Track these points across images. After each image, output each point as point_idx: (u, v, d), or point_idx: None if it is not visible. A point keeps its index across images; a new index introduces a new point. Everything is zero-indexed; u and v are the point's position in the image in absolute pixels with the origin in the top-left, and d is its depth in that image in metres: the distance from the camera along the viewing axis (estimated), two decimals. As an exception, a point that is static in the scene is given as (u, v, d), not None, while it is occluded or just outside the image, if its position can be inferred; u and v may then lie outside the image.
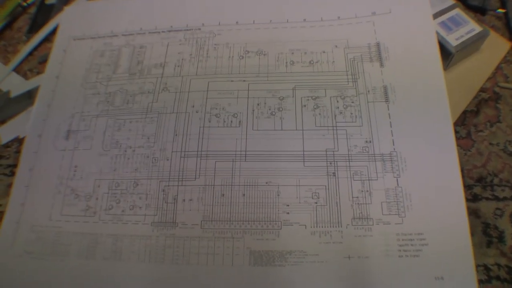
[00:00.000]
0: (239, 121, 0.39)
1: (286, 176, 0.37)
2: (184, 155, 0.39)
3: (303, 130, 0.38)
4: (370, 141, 0.37)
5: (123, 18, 0.48)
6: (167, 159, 0.39)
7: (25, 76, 0.50)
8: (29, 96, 0.47)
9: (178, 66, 0.43)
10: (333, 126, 0.38)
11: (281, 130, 0.39)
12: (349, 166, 0.37)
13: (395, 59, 0.40)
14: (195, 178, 0.38)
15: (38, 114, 0.44)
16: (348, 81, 0.40)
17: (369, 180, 0.36)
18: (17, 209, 0.39)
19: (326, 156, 0.37)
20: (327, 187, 0.36)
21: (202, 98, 0.41)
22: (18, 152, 0.44)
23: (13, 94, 0.48)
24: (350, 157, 0.37)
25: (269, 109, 0.40)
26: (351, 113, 0.39)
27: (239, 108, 0.40)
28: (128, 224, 0.37)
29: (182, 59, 0.43)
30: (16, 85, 0.49)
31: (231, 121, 0.39)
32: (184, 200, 0.37)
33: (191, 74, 0.42)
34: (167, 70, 0.43)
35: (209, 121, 0.39)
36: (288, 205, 0.36)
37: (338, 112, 0.39)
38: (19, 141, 0.44)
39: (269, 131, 0.39)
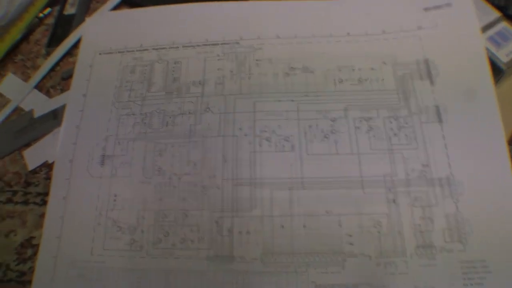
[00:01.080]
0: (292, 145, 0.37)
1: (346, 204, 0.35)
2: (236, 183, 0.36)
3: (359, 154, 0.37)
4: (427, 165, 0.36)
5: (153, 30, 0.44)
6: (218, 188, 0.36)
7: (48, 94, 0.45)
8: (54, 116, 0.43)
9: (219, 84, 0.40)
10: (388, 149, 0.37)
11: (337, 154, 0.37)
12: (409, 191, 0.36)
13: (445, 76, 0.39)
14: (251, 208, 0.35)
15: (66, 136, 0.40)
16: (399, 101, 0.39)
17: (429, 206, 0.35)
18: (53, 242, 0.36)
19: (385, 182, 0.36)
20: (388, 215, 0.35)
21: (250, 119, 0.38)
22: (48, 178, 0.40)
23: (37, 114, 0.44)
24: (408, 182, 0.36)
25: (322, 132, 0.38)
26: (406, 135, 0.37)
27: (290, 131, 0.38)
28: (180, 259, 0.35)
29: (223, 76, 0.41)
30: (39, 104, 0.45)
31: (283, 145, 0.37)
32: (240, 232, 0.35)
33: (234, 93, 0.40)
34: (208, 88, 0.40)
35: (260, 146, 0.37)
36: (351, 236, 0.34)
37: (392, 134, 0.37)
38: (48, 166, 0.41)
39: (325, 156, 0.37)
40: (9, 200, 0.40)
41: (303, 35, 0.42)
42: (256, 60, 0.41)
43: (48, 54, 0.47)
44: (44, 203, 0.39)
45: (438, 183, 0.35)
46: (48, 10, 0.51)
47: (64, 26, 0.48)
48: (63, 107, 0.42)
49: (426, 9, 0.42)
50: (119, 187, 0.37)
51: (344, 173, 0.36)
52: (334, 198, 0.35)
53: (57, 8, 0.51)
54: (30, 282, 0.35)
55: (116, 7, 0.48)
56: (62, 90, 0.45)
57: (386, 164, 0.36)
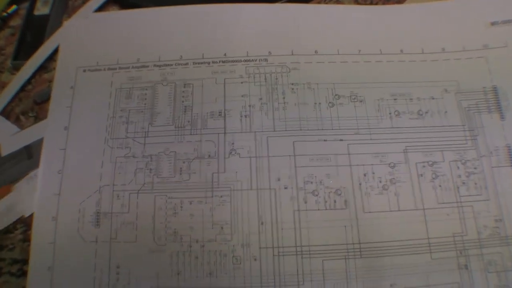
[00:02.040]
0: (345, 201, 0.29)
1: (412, 275, 0.28)
2: (278, 252, 0.28)
3: (424, 209, 0.30)
4: (501, 220, 0.30)
5: (154, 40, 0.34)
6: (255, 259, 0.28)
7: (18, 123, 0.34)
8: (28, 155, 0.32)
9: (245, 116, 0.31)
10: (457, 202, 0.30)
11: (398, 210, 0.29)
12: (481, 254, 0.29)
13: (518, 109, 0.32)
14: (298, 285, 0.27)
15: (46, 184, 0.31)
16: (466, 140, 0.31)
17: (505, 271, 0.29)
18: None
19: (455, 243, 0.29)
20: (460, 285, 0.28)
21: (289, 166, 0.30)
22: (26, 240, 0.30)
23: (4, 150, 0.33)
24: (480, 243, 0.29)
25: (380, 181, 0.30)
26: (475, 183, 0.30)
27: (341, 181, 0.30)
28: None
29: (250, 106, 0.31)
30: (6, 136, 0.34)
31: (335, 201, 0.29)
32: (286, 317, 0.27)
33: (266, 129, 0.31)
34: (231, 122, 0.31)
35: (305, 202, 0.29)
36: (419, 314, 0.27)
37: (460, 183, 0.30)
38: (24, 222, 0.30)
39: (384, 213, 0.29)
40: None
41: (348, 51, 0.33)
42: (291, 84, 0.32)
43: (15, 68, 0.36)
44: (23, 273, 0.29)
45: (514, 241, 0.29)
46: (13, 7, 0.38)
47: (35, 30, 0.37)
48: (38, 143, 0.32)
49: (493, 24, 0.34)
50: (122, 256, 0.28)
51: (408, 235, 0.29)
52: (398, 268, 0.28)
53: (25, 6, 0.38)
54: None
55: (102, 7, 0.37)
56: (37, 118, 0.34)
57: (455, 220, 0.30)
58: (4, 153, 0.33)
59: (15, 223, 0.31)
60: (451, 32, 0.34)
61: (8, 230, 0.31)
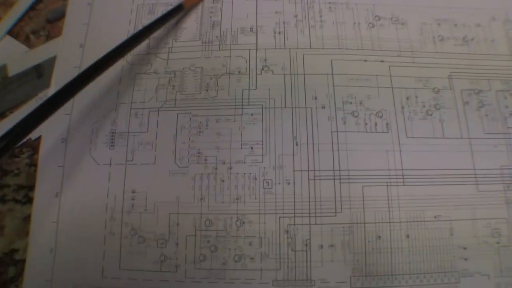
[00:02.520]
0: (387, 124, 0.27)
1: (458, 207, 0.26)
2: (314, 176, 0.25)
3: (469, 138, 0.27)
4: (550, 153, 0.27)
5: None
6: (288, 183, 0.25)
7: (27, 43, 0.31)
8: (38, 74, 0.29)
9: (279, 32, 0.29)
10: (504, 133, 0.27)
11: (443, 138, 0.27)
12: (531, 188, 0.27)
13: None
14: (335, 212, 0.25)
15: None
16: (515, 70, 0.29)
17: None
18: (46, 258, 0.25)
19: (502, 176, 0.27)
20: (508, 221, 0.26)
21: (327, 85, 0.27)
22: (33, 164, 0.27)
23: (12, 70, 0.29)
24: (530, 177, 0.27)
25: (423, 106, 0.27)
26: (524, 115, 0.28)
27: (382, 103, 0.27)
28: (236, 283, 0.24)
29: (284, 23, 0.29)
30: (15, 56, 0.30)
31: (376, 124, 0.27)
32: (321, 246, 0.25)
33: (302, 46, 0.28)
34: (263, 38, 0.28)
35: (344, 123, 0.26)
36: (465, 248, 0.25)
37: (508, 114, 0.28)
38: (31, 145, 0.27)
39: (428, 140, 0.27)
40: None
41: (389, -29, 0.31)
42: (329, 3, 0.29)
43: None
44: (29, 200, 0.26)
45: None
46: None
47: None
48: (50, 62, 0.29)
49: (543, -50, 0.32)
50: (139, 179, 0.25)
51: (453, 164, 0.26)
52: (443, 199, 0.26)
53: None
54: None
55: None
56: (48, 37, 0.31)
57: (503, 152, 0.27)
58: (12, 72, 0.30)
59: (21, 146, 0.28)
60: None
61: (14, 154, 0.28)
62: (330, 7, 0.30)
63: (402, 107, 0.27)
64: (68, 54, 0.29)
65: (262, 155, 0.26)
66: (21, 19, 0.32)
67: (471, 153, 0.27)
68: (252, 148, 0.26)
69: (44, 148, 0.27)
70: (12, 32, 0.32)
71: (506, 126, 0.28)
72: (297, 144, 0.26)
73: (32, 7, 0.32)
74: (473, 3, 0.31)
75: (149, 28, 0.25)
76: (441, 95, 0.28)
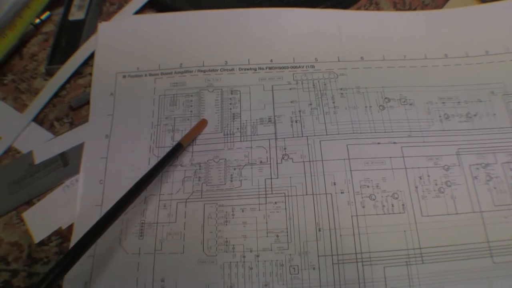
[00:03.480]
0: (403, 204, 0.28)
1: (475, 280, 0.27)
2: (338, 260, 0.27)
3: (481, 211, 0.29)
4: (559, 221, 0.29)
5: (196, 44, 0.34)
6: (314, 268, 0.27)
7: (52, 130, 0.33)
8: (64, 162, 0.31)
9: (296, 121, 0.31)
10: (514, 204, 0.29)
11: (456, 214, 0.29)
12: (544, 258, 0.28)
13: None
14: (360, 294, 0.26)
15: (87, 194, 0.29)
16: (516, 140, 0.31)
17: None
18: None
19: (516, 247, 0.28)
20: None
21: (345, 170, 0.29)
22: (62, 253, 0.28)
23: (39, 158, 0.32)
24: (542, 245, 0.28)
25: (436, 184, 0.29)
26: (530, 185, 0.30)
27: (397, 185, 0.29)
28: None
29: (300, 111, 0.31)
30: (40, 143, 0.32)
31: (392, 205, 0.28)
32: (350, 328, 0.26)
33: (318, 133, 0.30)
34: (281, 127, 0.31)
35: (363, 207, 0.28)
36: (486, 321, 0.26)
37: (515, 184, 0.30)
38: (60, 233, 0.29)
39: (442, 217, 0.28)
40: (7, 284, 0.28)
41: (393, 57, 0.33)
42: (340, 89, 0.32)
43: (49, 73, 0.35)
44: (59, 288, 0.28)
45: None
46: (47, 14, 0.38)
47: (69, 35, 0.36)
48: (75, 149, 0.31)
49: (535, 24, 0.34)
50: (168, 268, 0.27)
51: (467, 239, 0.28)
52: (459, 273, 0.27)
53: (59, 11, 0.38)
54: None
55: (139, 11, 0.36)
56: (72, 124, 0.33)
57: (514, 223, 0.28)
58: (38, 160, 0.32)
59: (50, 234, 0.30)
60: (494, 35, 0.35)
61: (43, 242, 0.30)
62: (341, 93, 0.32)
63: (416, 187, 0.29)
64: (95, 145, 0.31)
65: (288, 242, 0.28)
66: (45, 106, 0.34)
67: (484, 226, 0.29)
68: (277, 235, 0.28)
69: (76, 237, 0.29)
70: (37, 119, 0.34)
71: (514, 197, 0.29)
72: (319, 230, 0.28)
73: (56, 94, 0.34)
74: (472, 80, 0.33)
75: (155, 169, 0.28)
76: (451, 172, 0.30)
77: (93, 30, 0.36)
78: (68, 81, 0.35)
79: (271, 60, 0.33)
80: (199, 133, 0.30)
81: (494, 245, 0.28)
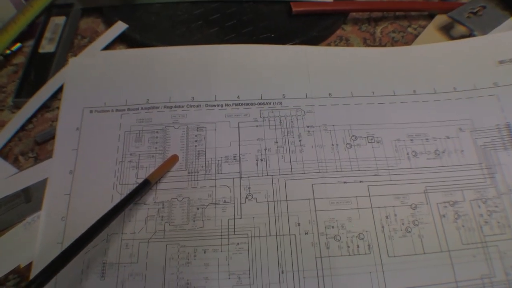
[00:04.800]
0: (368, 245, 0.28)
1: (444, 322, 0.27)
2: (301, 304, 0.26)
3: (449, 251, 0.28)
4: (529, 258, 0.28)
5: (164, 80, 0.33)
6: (280, 312, 0.26)
7: (16, 164, 0.33)
8: (26, 198, 0.30)
9: (261, 160, 0.30)
10: (481, 242, 0.29)
11: (423, 253, 0.28)
12: (514, 298, 0.28)
13: (533, 143, 0.32)
14: None
15: (48, 232, 0.29)
16: (484, 178, 0.31)
17: None
18: None
19: (483, 286, 0.28)
20: None
21: (309, 210, 0.29)
22: None
23: (1, 193, 0.31)
24: (510, 285, 0.28)
25: (403, 224, 0.29)
26: (498, 222, 0.30)
27: (363, 225, 0.29)
28: None
29: (265, 149, 0.31)
30: (3, 178, 0.32)
31: (358, 246, 0.28)
32: None
33: (284, 172, 0.30)
34: (246, 166, 0.30)
35: (328, 248, 0.28)
36: None
37: (483, 222, 0.29)
38: (18, 272, 0.28)
39: (409, 257, 0.28)
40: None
41: (361, 93, 0.33)
42: (307, 126, 0.32)
43: (16, 106, 0.35)
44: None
45: (545, 282, 0.27)
46: (17, 45, 0.38)
47: (39, 68, 0.36)
48: (38, 185, 0.30)
49: (501, 62, 0.34)
50: (130, 311, 0.26)
51: (435, 279, 0.28)
52: (428, 316, 0.26)
53: (30, 43, 0.38)
54: None
55: (109, 46, 0.36)
56: (37, 159, 0.33)
57: (482, 262, 0.29)
58: (0, 195, 0.31)
59: (7, 273, 0.29)
60: (461, 71, 0.35)
61: (0, 281, 0.29)
62: (308, 131, 0.32)
63: (382, 227, 0.29)
64: (58, 180, 0.30)
65: (250, 285, 0.27)
66: (11, 139, 0.34)
67: (452, 265, 0.28)
68: (239, 277, 0.27)
69: (33, 276, 0.27)
70: (2, 152, 0.33)
71: (482, 234, 0.29)
72: (282, 272, 0.27)
73: (22, 127, 0.34)
74: (441, 117, 0.33)
75: (119, 206, 0.27)
76: (419, 211, 0.30)
77: (63, 63, 0.36)
78: (35, 114, 0.34)
79: (238, 97, 0.33)
80: (169, 170, 0.30)
81: (462, 284, 0.28)
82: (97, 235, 0.25)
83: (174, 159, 0.30)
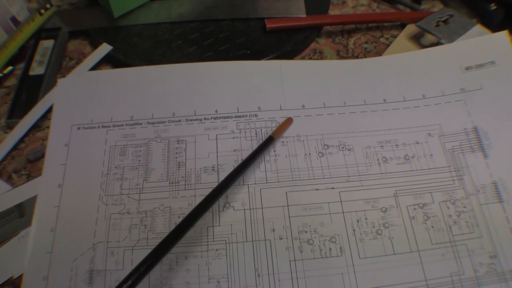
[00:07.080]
0: (340, 248, 0.29)
1: (414, 320, 0.28)
2: (276, 305, 0.28)
3: (418, 251, 0.30)
4: (495, 256, 0.30)
5: (146, 97, 0.35)
6: (255, 313, 0.28)
7: (10, 182, 0.35)
8: (20, 213, 0.32)
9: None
10: (450, 241, 0.30)
11: (394, 254, 0.30)
12: (482, 293, 0.29)
13: (499, 146, 0.34)
14: (298, 338, 0.27)
15: (38, 243, 0.30)
16: (453, 180, 0.32)
17: None
18: None
19: (453, 284, 0.29)
20: None
21: (283, 217, 0.30)
22: None
23: None
24: (478, 280, 0.29)
25: (373, 227, 0.30)
26: (466, 222, 0.31)
27: (335, 229, 0.30)
28: None
29: (242, 160, 0.32)
30: None
31: (330, 249, 0.29)
32: None
33: (259, 181, 0.32)
34: (224, 176, 0.32)
35: (301, 251, 0.29)
36: None
37: (452, 222, 0.31)
38: (13, 283, 0.30)
39: (380, 258, 0.30)
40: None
41: (333, 104, 0.35)
42: (282, 137, 0.33)
43: (9, 127, 0.37)
44: None
45: (510, 277, 0.29)
46: (9, 68, 0.40)
47: (29, 90, 0.38)
48: (31, 201, 0.32)
49: (467, 68, 0.36)
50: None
51: (405, 278, 0.29)
52: (399, 314, 0.28)
53: (21, 66, 0.40)
54: None
55: (95, 67, 0.39)
56: (30, 177, 0.34)
57: (451, 260, 0.30)
58: None
59: (1, 285, 0.30)
60: (430, 79, 0.36)
61: None
62: (282, 141, 0.33)
63: (354, 230, 0.30)
64: (48, 194, 0.32)
65: (228, 288, 0.29)
66: (4, 158, 0.36)
67: (421, 265, 0.30)
68: (218, 281, 0.29)
69: (25, 286, 0.29)
70: None
71: (451, 235, 0.31)
72: (259, 276, 0.29)
73: (15, 147, 0.36)
74: (410, 123, 0.34)
75: (248, 160, 0.31)
76: (389, 214, 0.31)
77: (52, 84, 0.38)
78: (26, 134, 0.36)
79: (216, 111, 0.35)
80: (286, 129, 0.33)
81: (431, 282, 0.29)
82: (225, 191, 0.30)
83: (289, 120, 0.33)
